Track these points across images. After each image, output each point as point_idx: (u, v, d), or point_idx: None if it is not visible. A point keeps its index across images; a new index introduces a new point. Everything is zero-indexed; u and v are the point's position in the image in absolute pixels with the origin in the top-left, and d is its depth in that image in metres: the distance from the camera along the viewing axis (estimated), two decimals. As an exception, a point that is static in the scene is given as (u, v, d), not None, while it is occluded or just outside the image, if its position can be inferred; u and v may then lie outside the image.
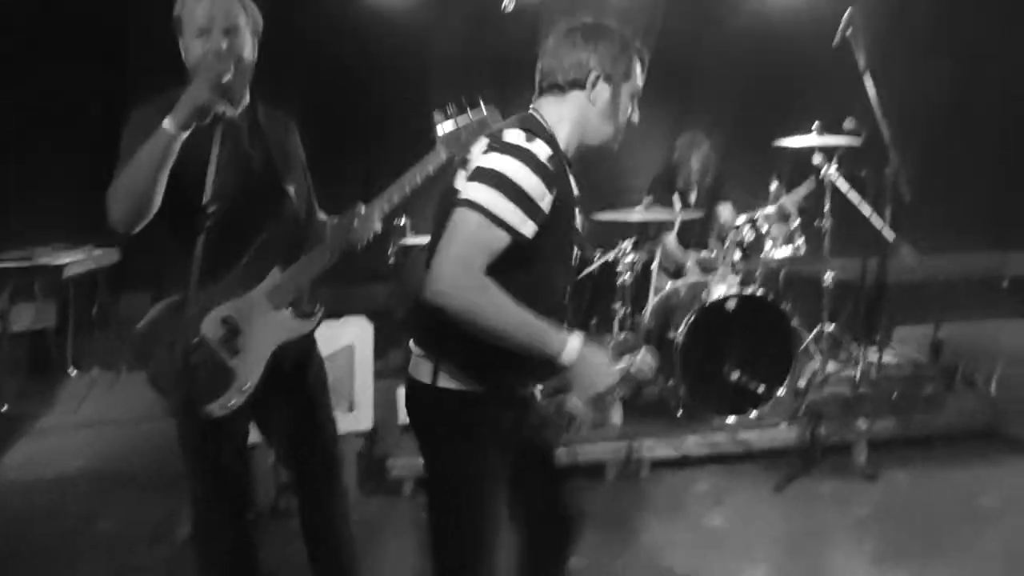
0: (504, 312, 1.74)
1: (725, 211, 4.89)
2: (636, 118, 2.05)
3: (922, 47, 6.32)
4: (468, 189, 1.79)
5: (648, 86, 2.09)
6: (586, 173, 2.08)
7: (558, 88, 1.96)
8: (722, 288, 4.18)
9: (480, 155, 1.83)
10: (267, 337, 2.25)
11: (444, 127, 2.29)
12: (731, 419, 4.12)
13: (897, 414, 4.17)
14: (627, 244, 4.35)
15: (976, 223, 6.89)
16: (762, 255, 4.33)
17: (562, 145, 1.93)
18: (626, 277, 4.33)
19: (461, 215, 1.76)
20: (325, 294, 2.43)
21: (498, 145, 1.82)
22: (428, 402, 1.95)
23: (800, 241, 4.35)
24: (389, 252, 4.82)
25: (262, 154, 2.26)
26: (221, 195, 2.15)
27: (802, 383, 4.32)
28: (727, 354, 4.12)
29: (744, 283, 4.30)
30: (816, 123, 4.41)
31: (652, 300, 4.43)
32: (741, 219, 4.38)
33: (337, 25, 5.91)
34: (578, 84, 1.94)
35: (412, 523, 3.51)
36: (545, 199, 1.80)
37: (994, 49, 6.71)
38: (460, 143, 2.21)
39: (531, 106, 1.99)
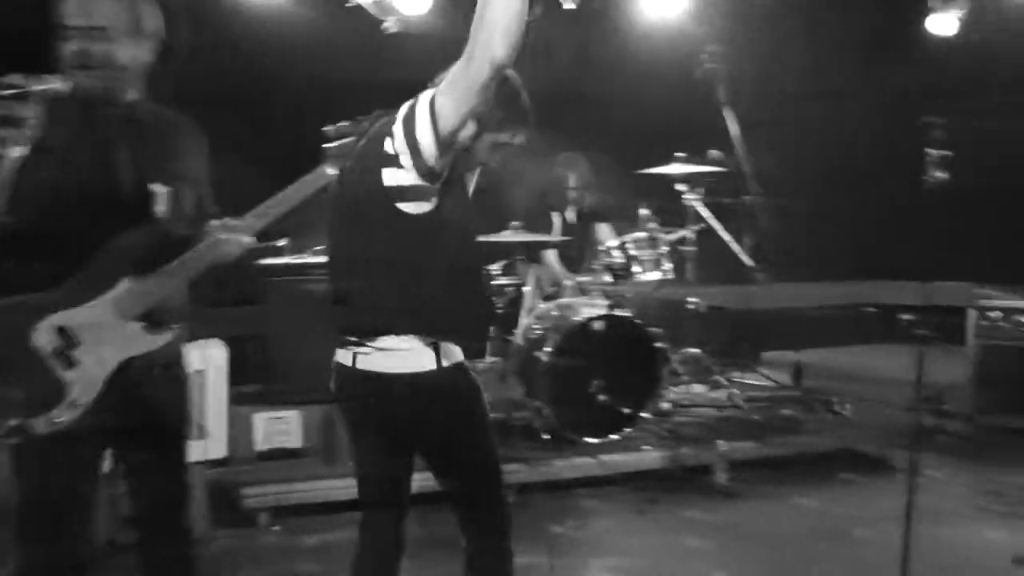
0: None
1: (604, 231, 4.98)
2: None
3: (786, 80, 6.65)
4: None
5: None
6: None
7: None
8: (591, 310, 4.22)
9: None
10: (110, 350, 2.09)
11: (333, 143, 2.21)
12: (597, 441, 4.14)
13: (757, 436, 4.28)
14: (497, 267, 4.35)
15: (840, 252, 7.19)
16: (632, 279, 4.40)
17: None
18: (495, 301, 4.32)
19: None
20: (189, 310, 2.27)
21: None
22: (444, 383, 2.06)
23: (668, 266, 4.45)
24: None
25: (128, 152, 2.11)
26: (62, 189, 2.00)
27: (666, 405, 4.40)
28: (594, 376, 4.15)
29: (613, 306, 4.36)
30: (681, 153, 4.56)
31: (523, 322, 4.44)
32: (612, 243, 4.46)
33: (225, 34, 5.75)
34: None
35: (267, 555, 3.37)
36: None
37: (856, 83, 7.13)
38: (348, 157, 2.17)
39: None
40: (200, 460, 3.38)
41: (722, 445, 4.15)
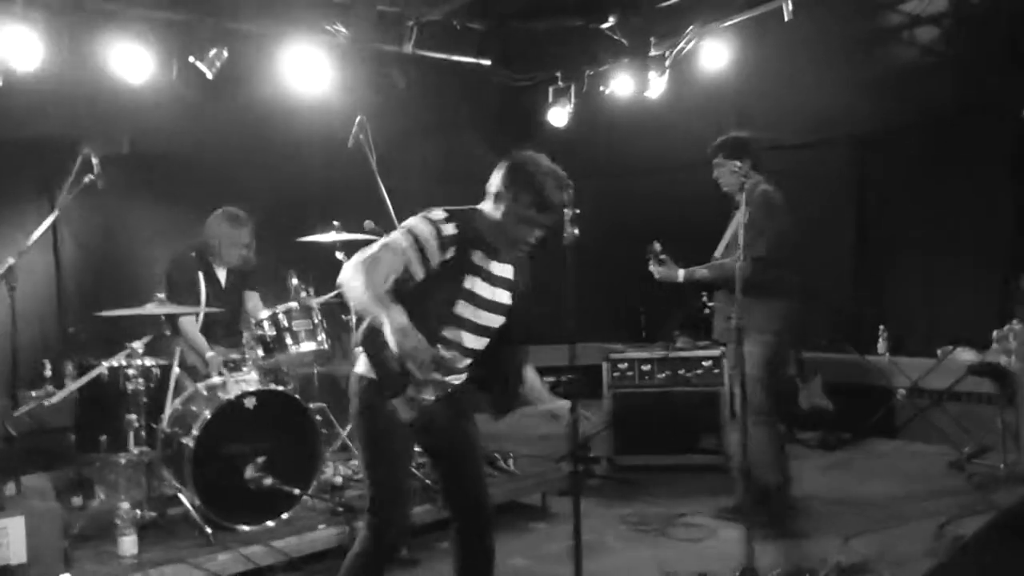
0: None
1: (252, 300, 4.71)
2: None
3: (436, 160, 7.05)
4: None
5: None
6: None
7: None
8: (241, 386, 3.93)
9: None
10: None
11: None
12: (264, 526, 3.82)
13: (432, 499, 4.25)
14: (139, 345, 3.88)
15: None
16: (286, 351, 4.20)
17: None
18: (139, 383, 3.84)
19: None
20: None
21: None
22: None
23: (323, 337, 4.31)
24: None
25: None
26: None
27: (338, 480, 4.21)
28: (249, 457, 3.83)
29: (266, 380, 4.11)
30: (336, 221, 4.52)
31: (170, 405, 3.99)
32: (264, 314, 4.23)
33: None
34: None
35: None
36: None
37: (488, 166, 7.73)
38: None
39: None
40: None
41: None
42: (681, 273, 4.31)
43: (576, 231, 2.80)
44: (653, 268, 4.38)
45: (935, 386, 5.74)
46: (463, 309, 2.62)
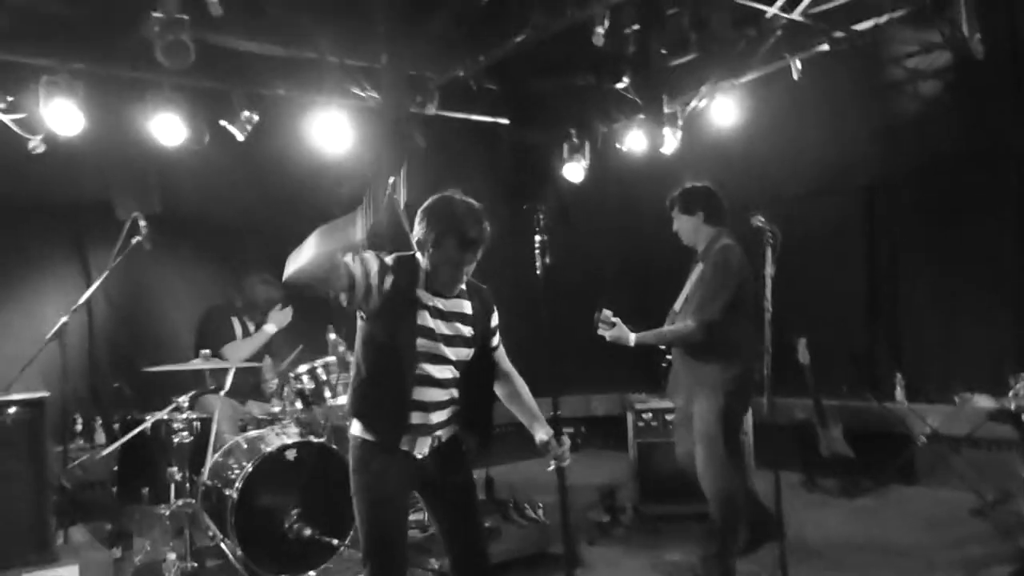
0: None
1: (266, 362, 4.89)
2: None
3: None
4: None
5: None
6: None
7: None
8: (282, 438, 4.03)
9: None
10: None
11: None
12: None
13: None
14: (184, 399, 3.99)
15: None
16: (323, 404, 4.31)
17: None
18: (183, 436, 3.94)
19: None
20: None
21: None
22: None
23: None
24: None
25: None
26: None
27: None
28: (289, 508, 3.94)
29: (306, 433, 4.20)
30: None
31: (211, 457, 4.09)
32: (302, 368, 4.35)
33: None
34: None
35: None
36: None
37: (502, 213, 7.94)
38: None
39: None
40: None
41: (433, 563, 4.11)
42: (632, 337, 4.13)
43: (547, 260, 2.94)
44: (603, 332, 4.18)
45: (954, 432, 5.79)
46: (423, 344, 2.73)
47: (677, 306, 4.22)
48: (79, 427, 4.99)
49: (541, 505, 4.89)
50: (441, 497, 2.91)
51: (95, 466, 4.22)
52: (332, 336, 4.47)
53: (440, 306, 2.80)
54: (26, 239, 5.50)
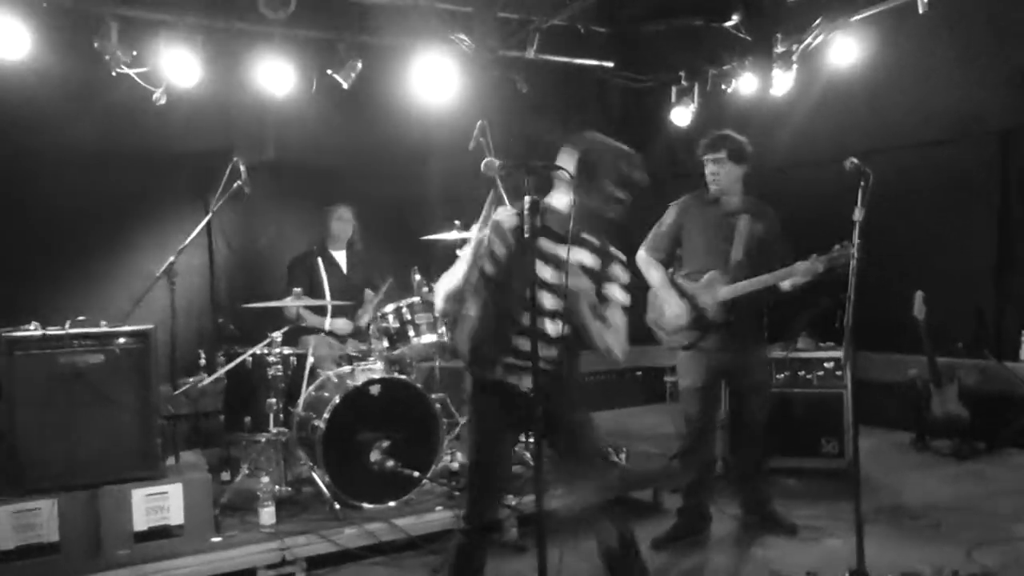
0: None
1: (368, 297, 5.09)
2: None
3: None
4: None
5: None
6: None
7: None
8: (367, 374, 4.22)
9: None
10: None
11: None
12: (385, 506, 4.09)
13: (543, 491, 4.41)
14: (278, 335, 4.25)
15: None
16: (409, 343, 4.46)
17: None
18: (278, 370, 4.21)
19: None
20: None
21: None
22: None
23: (443, 330, 4.55)
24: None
25: None
26: None
27: (455, 466, 4.44)
28: (374, 441, 4.13)
29: (391, 370, 4.38)
30: (457, 221, 4.77)
31: (305, 391, 4.35)
32: (388, 308, 4.52)
33: None
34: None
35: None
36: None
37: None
38: None
39: None
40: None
41: (511, 500, 4.24)
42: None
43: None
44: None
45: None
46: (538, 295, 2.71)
47: (739, 256, 4.10)
48: (203, 361, 5.36)
49: (625, 449, 4.91)
50: (550, 424, 2.86)
51: (205, 398, 4.58)
52: (417, 277, 4.61)
53: (560, 255, 2.79)
54: (152, 186, 5.91)
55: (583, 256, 2.89)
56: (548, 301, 2.79)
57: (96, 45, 5.13)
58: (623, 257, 3.00)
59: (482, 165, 2.75)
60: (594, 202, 2.78)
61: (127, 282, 5.41)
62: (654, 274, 4.19)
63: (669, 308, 4.12)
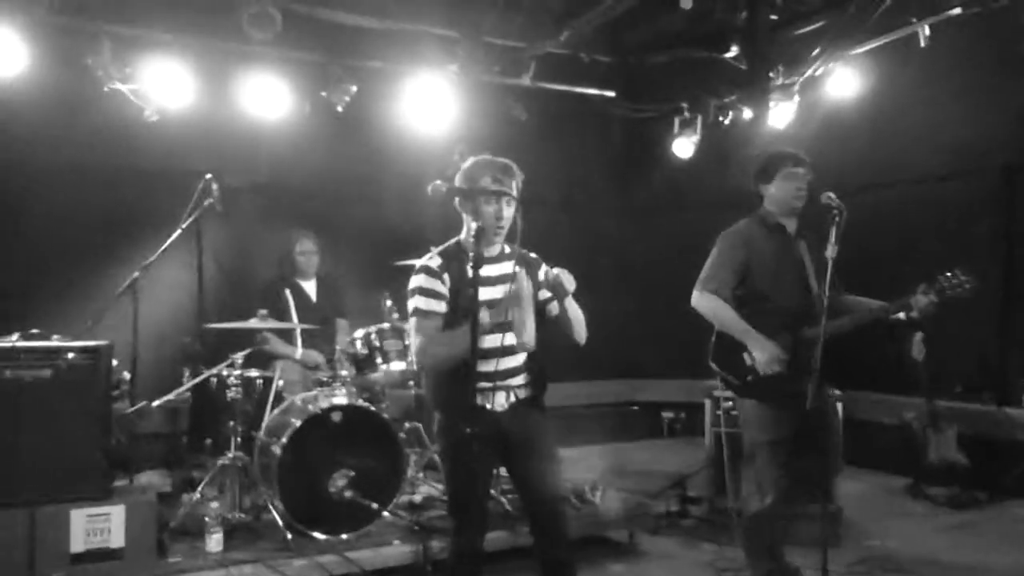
0: None
1: (342, 329, 4.97)
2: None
3: (550, 191, 7.17)
4: None
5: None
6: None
7: None
8: (330, 400, 4.11)
9: None
10: None
11: None
12: (342, 537, 3.96)
13: (510, 526, 4.25)
14: (239, 356, 4.17)
15: (607, 355, 7.55)
16: (376, 370, 4.37)
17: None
18: (238, 392, 4.12)
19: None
20: None
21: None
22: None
23: (413, 358, 4.44)
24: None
25: None
26: None
27: (418, 498, 4.31)
28: (334, 469, 3.99)
29: (358, 397, 4.28)
30: (433, 247, 4.66)
31: (269, 415, 4.26)
32: (357, 334, 4.43)
33: None
34: None
35: None
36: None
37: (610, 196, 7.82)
38: None
39: None
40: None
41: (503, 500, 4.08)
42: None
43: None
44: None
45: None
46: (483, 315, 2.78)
47: (816, 287, 3.65)
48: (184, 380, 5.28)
49: (600, 488, 4.75)
50: (516, 448, 2.99)
51: (171, 417, 4.50)
52: (388, 303, 4.52)
53: (485, 273, 2.87)
54: (141, 202, 5.87)
55: (502, 267, 3.00)
56: (489, 316, 2.81)
57: (89, 61, 5.16)
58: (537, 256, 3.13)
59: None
60: (478, 219, 2.86)
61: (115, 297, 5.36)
62: (729, 316, 3.64)
63: (761, 353, 3.57)
